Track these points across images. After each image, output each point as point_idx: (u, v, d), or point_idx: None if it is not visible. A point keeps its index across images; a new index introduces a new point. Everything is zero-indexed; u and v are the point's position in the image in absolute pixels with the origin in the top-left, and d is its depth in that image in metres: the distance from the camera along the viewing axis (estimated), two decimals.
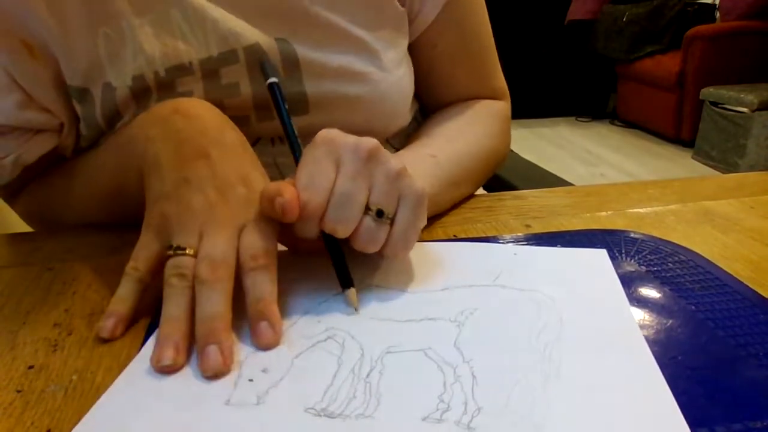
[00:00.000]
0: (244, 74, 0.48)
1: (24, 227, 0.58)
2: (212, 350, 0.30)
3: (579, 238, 0.45)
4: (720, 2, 3.28)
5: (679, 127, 3.23)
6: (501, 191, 0.57)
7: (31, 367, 0.31)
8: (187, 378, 0.30)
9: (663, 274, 0.39)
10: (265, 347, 0.32)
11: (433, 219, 0.49)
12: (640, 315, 0.35)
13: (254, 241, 0.34)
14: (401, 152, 0.51)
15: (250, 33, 0.47)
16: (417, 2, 0.54)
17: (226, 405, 0.28)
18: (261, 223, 0.34)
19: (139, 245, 0.36)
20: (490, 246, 0.43)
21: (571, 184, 0.62)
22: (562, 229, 0.47)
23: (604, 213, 0.50)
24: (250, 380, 0.29)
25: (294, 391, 0.29)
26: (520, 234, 0.46)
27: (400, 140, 0.59)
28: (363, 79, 0.51)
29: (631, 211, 0.50)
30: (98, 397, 0.29)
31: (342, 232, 0.34)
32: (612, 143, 3.47)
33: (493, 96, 0.61)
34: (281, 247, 0.36)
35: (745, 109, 2.73)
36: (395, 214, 0.35)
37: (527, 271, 0.39)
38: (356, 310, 0.35)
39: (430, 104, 0.62)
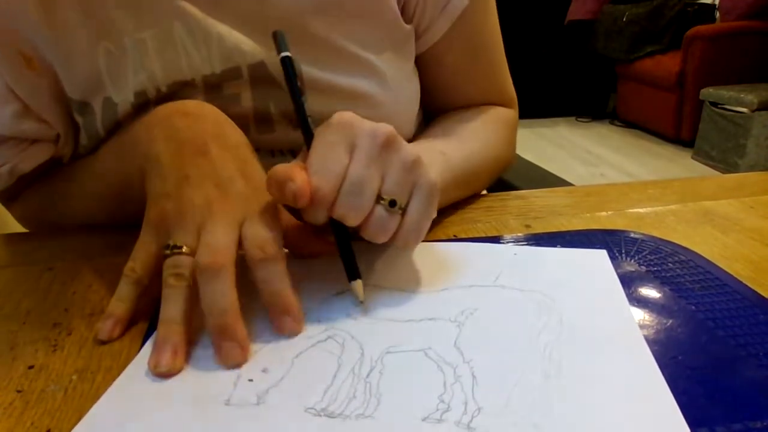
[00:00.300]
0: (246, 88, 0.47)
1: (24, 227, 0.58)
2: (229, 345, 0.31)
3: (579, 238, 0.45)
4: (720, 2, 3.28)
5: (679, 127, 3.23)
6: (501, 191, 0.57)
7: (31, 367, 0.31)
8: (187, 378, 0.30)
9: (663, 274, 0.39)
10: (290, 335, 0.33)
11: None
12: (640, 315, 0.35)
13: (259, 231, 0.33)
14: (412, 144, 0.50)
15: (255, 51, 0.46)
16: (426, 19, 0.52)
17: (226, 405, 0.28)
18: (265, 214, 0.34)
19: (138, 245, 0.36)
20: (490, 246, 0.43)
21: (571, 184, 0.62)
22: (563, 229, 0.47)
23: (604, 213, 0.50)
24: (250, 380, 0.29)
25: (294, 391, 0.29)
26: (520, 234, 0.46)
27: None
28: (369, 102, 0.50)
29: (631, 211, 0.50)
30: (98, 397, 0.29)
31: (353, 220, 0.34)
32: (612, 143, 3.47)
33: (502, 104, 0.61)
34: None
35: (744, 109, 2.73)
36: (407, 204, 0.35)
37: (527, 272, 0.39)
38: (362, 302, 0.35)
39: (436, 112, 0.61)
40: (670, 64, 3.20)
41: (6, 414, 0.28)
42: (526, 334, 0.33)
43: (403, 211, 0.35)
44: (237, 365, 0.30)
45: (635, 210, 0.50)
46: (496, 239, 0.45)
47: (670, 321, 0.34)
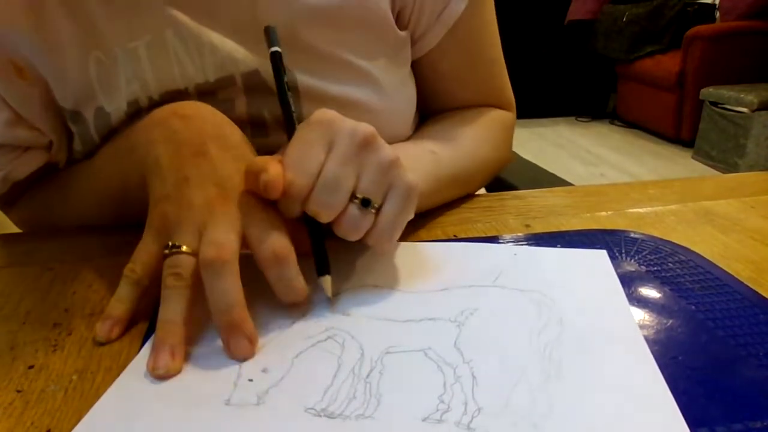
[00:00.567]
0: (240, 95, 0.47)
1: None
2: (238, 339, 0.31)
3: (579, 238, 0.45)
4: (720, 2, 3.28)
5: (679, 127, 3.23)
6: (501, 191, 0.57)
7: (31, 367, 0.31)
8: (187, 378, 0.30)
9: (663, 274, 0.39)
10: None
11: (431, 218, 0.49)
12: (640, 315, 0.35)
13: (265, 231, 0.33)
14: (403, 143, 0.50)
15: (248, 59, 0.46)
16: (421, 26, 0.52)
17: (226, 405, 0.28)
18: (269, 214, 0.34)
19: (139, 247, 0.36)
20: (489, 246, 0.43)
21: (571, 184, 0.62)
22: (562, 229, 0.47)
23: (604, 213, 0.50)
24: (250, 380, 0.29)
25: (294, 391, 0.29)
26: (520, 234, 0.46)
27: None
28: (364, 109, 0.49)
29: (631, 211, 0.50)
30: (98, 397, 0.29)
31: (325, 216, 0.34)
32: (612, 143, 3.47)
33: (500, 107, 0.60)
34: None
35: (745, 109, 2.73)
36: (382, 205, 0.35)
37: (527, 272, 0.39)
38: (330, 298, 0.35)
39: (432, 115, 0.60)
40: (670, 64, 3.20)
41: (6, 414, 0.28)
42: (526, 334, 0.33)
43: (378, 211, 0.35)
44: (246, 358, 0.31)
45: (635, 210, 0.50)
46: (495, 239, 0.45)
47: (670, 321, 0.34)
